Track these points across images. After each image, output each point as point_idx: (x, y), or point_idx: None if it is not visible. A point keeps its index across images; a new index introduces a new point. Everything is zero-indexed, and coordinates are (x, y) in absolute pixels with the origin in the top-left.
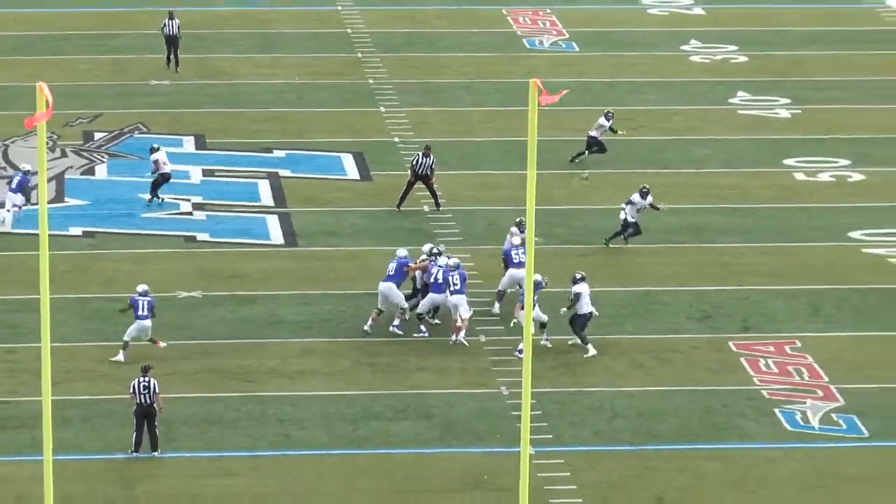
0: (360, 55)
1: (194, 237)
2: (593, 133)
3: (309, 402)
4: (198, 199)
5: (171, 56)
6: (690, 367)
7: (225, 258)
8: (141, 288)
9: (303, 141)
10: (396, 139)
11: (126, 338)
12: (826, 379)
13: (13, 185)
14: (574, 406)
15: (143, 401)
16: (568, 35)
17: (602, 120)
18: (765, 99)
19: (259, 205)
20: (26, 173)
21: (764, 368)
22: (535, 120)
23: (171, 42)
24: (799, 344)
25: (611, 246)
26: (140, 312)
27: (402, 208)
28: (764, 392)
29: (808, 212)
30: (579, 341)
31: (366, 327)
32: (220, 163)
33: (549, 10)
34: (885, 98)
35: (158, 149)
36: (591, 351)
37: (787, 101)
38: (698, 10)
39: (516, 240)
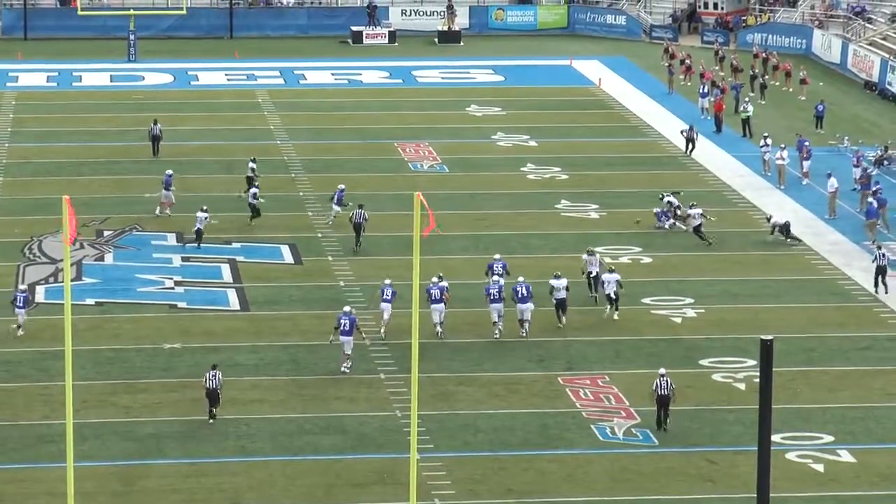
0: (293, 175)
1: (176, 305)
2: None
3: (258, 422)
4: (178, 278)
5: (156, 148)
6: (531, 396)
7: (198, 320)
8: (22, 287)
9: (253, 236)
10: (319, 235)
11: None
12: (627, 403)
13: (250, 193)
14: (448, 423)
15: (210, 386)
16: (441, 160)
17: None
18: (580, 205)
19: (222, 282)
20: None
21: (583, 396)
22: (419, 220)
23: (155, 140)
24: (607, 378)
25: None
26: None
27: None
28: (583, 413)
29: None
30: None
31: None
32: (194, 251)
33: (427, 143)
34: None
35: None
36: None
37: (596, 206)
38: (532, 143)
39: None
